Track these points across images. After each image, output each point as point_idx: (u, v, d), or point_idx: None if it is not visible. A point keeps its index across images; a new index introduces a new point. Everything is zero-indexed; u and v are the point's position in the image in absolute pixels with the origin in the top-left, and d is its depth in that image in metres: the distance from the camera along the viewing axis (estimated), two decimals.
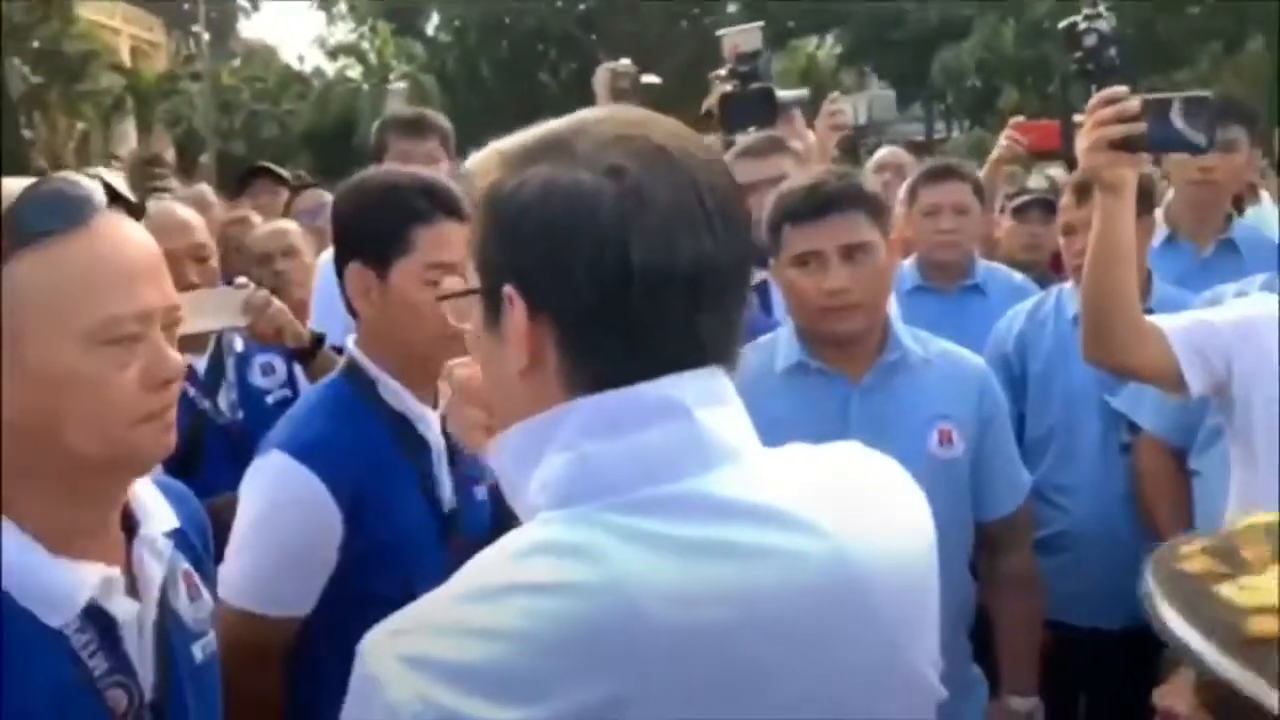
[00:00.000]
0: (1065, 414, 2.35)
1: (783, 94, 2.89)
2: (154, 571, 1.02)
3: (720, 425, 0.75)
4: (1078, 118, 3.33)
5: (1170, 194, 2.81)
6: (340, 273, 1.54)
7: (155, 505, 1.06)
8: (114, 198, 0.96)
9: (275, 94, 26.72)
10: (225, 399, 2.29)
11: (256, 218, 3.14)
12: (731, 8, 23.02)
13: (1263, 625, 0.63)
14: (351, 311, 1.56)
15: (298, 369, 2.28)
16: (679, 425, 0.73)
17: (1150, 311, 1.79)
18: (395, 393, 1.52)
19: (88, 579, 0.95)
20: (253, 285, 2.19)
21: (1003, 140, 3.50)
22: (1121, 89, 1.57)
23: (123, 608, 0.98)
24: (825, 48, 27.33)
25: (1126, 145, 1.55)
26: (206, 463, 2.03)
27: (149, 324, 0.95)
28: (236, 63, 29.54)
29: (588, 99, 3.22)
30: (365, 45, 27.77)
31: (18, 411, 0.92)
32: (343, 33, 29.36)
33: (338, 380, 1.56)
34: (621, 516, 0.70)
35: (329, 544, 1.44)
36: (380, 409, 1.51)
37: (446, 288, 0.79)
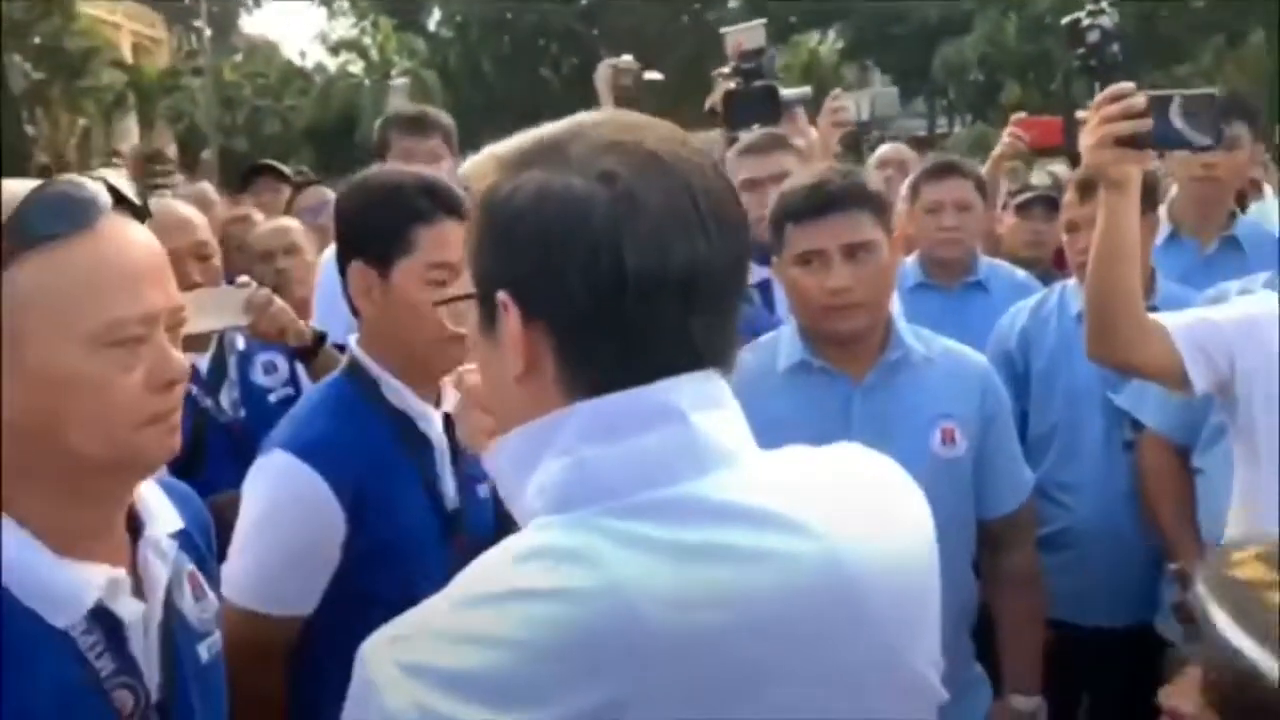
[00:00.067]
0: (1068, 411, 2.35)
1: (786, 92, 2.89)
2: (159, 572, 1.03)
3: (716, 428, 0.75)
4: (1080, 114, 3.32)
5: (1173, 191, 2.80)
6: (342, 271, 1.54)
7: (160, 506, 1.07)
8: (119, 200, 0.96)
9: (277, 90, 26.72)
10: (227, 397, 2.29)
11: (258, 215, 3.14)
12: (733, 3, 23.02)
13: None
14: (353, 310, 1.56)
15: (300, 367, 2.28)
16: (675, 429, 0.73)
17: (1154, 309, 1.78)
18: (397, 391, 1.52)
19: (93, 580, 0.96)
20: (255, 284, 2.19)
21: (1005, 137, 3.49)
22: (1128, 85, 1.57)
23: (128, 608, 0.99)
24: (827, 43, 27.30)
25: (1132, 142, 1.55)
26: (209, 461, 2.03)
27: (153, 326, 0.95)
28: (238, 58, 29.55)
29: (589, 94, 3.21)
30: (367, 41, 27.76)
31: (22, 413, 0.92)
32: (344, 28, 29.38)
33: (340, 379, 1.56)
34: (618, 521, 0.70)
35: (332, 543, 1.44)
36: (382, 408, 1.51)
37: (447, 290, 0.79)
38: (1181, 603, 2.00)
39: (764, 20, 3.01)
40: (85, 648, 0.95)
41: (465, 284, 0.80)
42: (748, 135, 2.63)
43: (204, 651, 1.07)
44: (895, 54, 24.06)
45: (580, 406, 0.74)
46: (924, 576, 0.81)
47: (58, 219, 0.92)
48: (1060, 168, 3.69)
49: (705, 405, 0.75)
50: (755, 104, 2.81)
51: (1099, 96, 1.58)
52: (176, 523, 1.07)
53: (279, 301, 2.14)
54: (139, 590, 1.01)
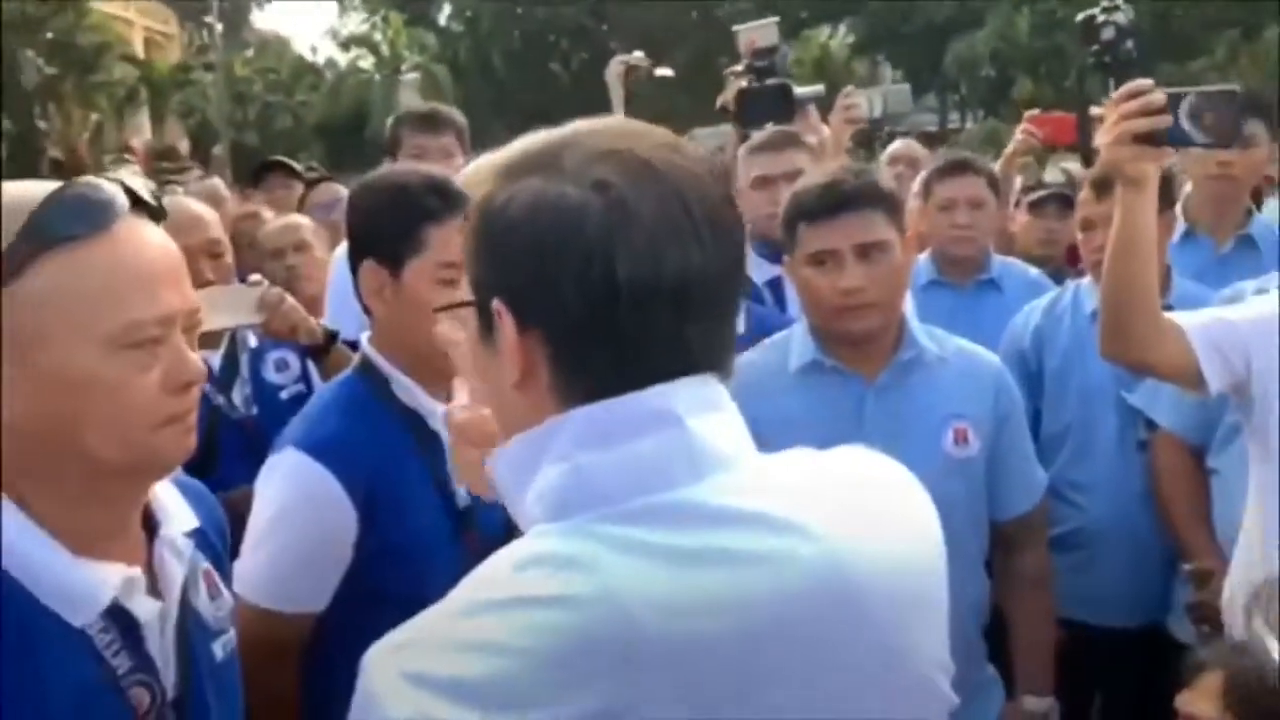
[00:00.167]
0: (1082, 410, 2.34)
1: (799, 90, 2.88)
2: (175, 571, 1.03)
3: (713, 432, 0.75)
4: (1095, 110, 3.31)
5: (1188, 188, 2.78)
6: (354, 270, 1.54)
7: (175, 506, 1.07)
8: (135, 201, 0.96)
9: (288, 85, 26.80)
10: (239, 394, 2.30)
11: (268, 212, 3.14)
12: None
13: None
14: (365, 309, 1.56)
15: (311, 364, 2.28)
16: (671, 434, 0.73)
17: (1169, 308, 1.77)
18: (409, 390, 1.52)
19: (110, 579, 0.96)
20: (266, 282, 2.19)
21: (1018, 133, 3.47)
22: (1146, 82, 1.56)
23: (144, 607, 0.99)
24: (838, 38, 27.23)
25: (1150, 139, 1.54)
26: (221, 458, 2.03)
27: (170, 327, 0.96)
28: (249, 54, 29.62)
29: (599, 90, 3.21)
30: (377, 36, 27.80)
31: (39, 415, 0.93)
32: (355, 23, 29.45)
33: (352, 377, 1.56)
34: (615, 527, 0.71)
35: (344, 541, 1.45)
36: (394, 406, 1.52)
37: (458, 290, 0.79)
38: (1196, 604, 1.99)
39: (777, 18, 3.00)
40: (102, 646, 0.96)
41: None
42: (760, 133, 2.62)
43: (219, 649, 1.08)
44: (906, 49, 23.97)
45: (575, 413, 0.74)
46: (928, 579, 0.80)
47: (75, 221, 0.92)
48: (1074, 165, 3.67)
49: (701, 409, 0.75)
50: (769, 102, 2.81)
51: (1117, 93, 1.57)
52: (192, 521, 1.08)
53: (291, 300, 2.15)
54: (155, 589, 1.02)
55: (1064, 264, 3.11)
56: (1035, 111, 3.77)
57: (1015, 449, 1.82)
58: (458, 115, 2.81)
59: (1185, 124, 1.54)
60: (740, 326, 2.30)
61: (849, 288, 1.66)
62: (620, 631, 0.66)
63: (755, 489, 0.74)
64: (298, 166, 4.18)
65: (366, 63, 27.48)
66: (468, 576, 0.72)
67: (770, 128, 2.66)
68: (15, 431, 0.93)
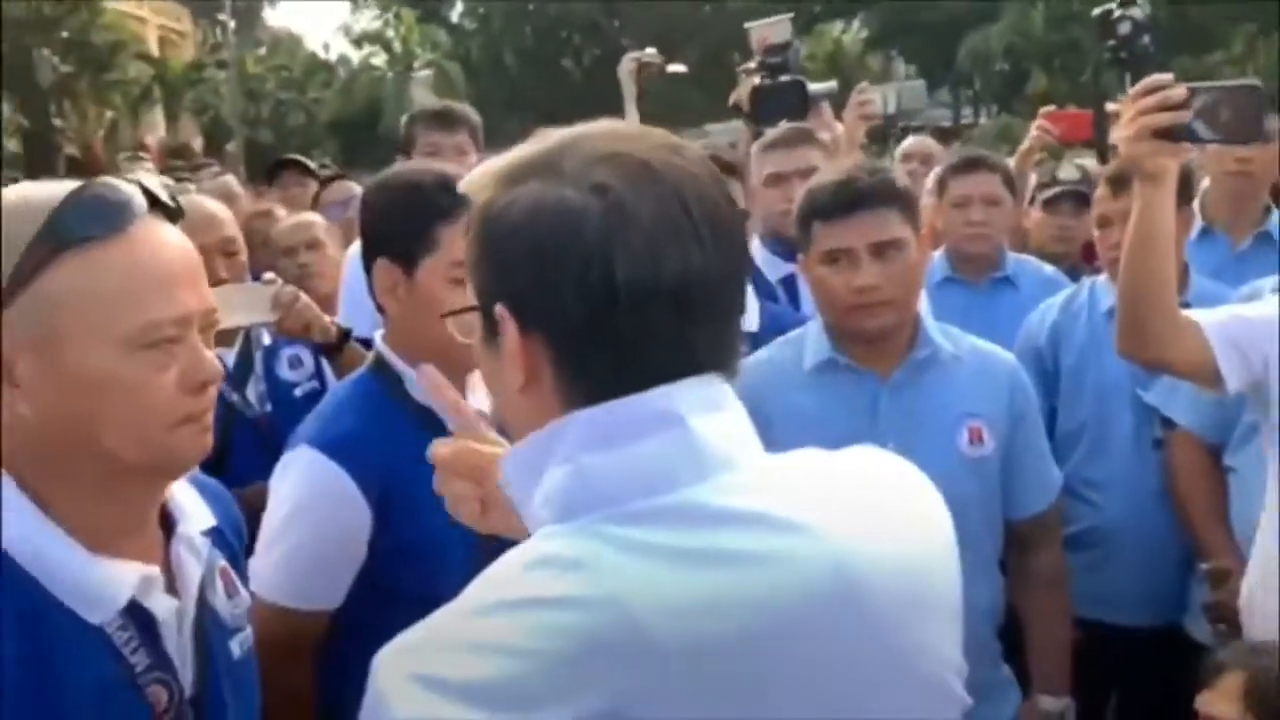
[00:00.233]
0: (1097, 408, 2.32)
1: (813, 86, 2.87)
2: (192, 569, 1.04)
3: (716, 433, 0.75)
4: (1111, 106, 3.27)
5: (1205, 185, 2.76)
6: (368, 269, 1.54)
7: (192, 504, 1.08)
8: (153, 202, 0.97)
9: (301, 82, 26.88)
10: (254, 392, 2.31)
11: (281, 210, 3.15)
12: None
13: None
14: (379, 308, 1.56)
15: (325, 362, 2.29)
16: (673, 435, 0.73)
17: (1187, 305, 1.76)
18: (422, 387, 1.52)
19: (127, 577, 0.97)
20: (280, 280, 2.20)
21: (1033, 130, 3.45)
22: (1165, 77, 1.54)
23: (162, 605, 1.00)
24: (851, 32, 27.14)
25: (1170, 134, 1.52)
26: (235, 455, 2.04)
27: (187, 327, 0.96)
28: (262, 51, 29.72)
29: (611, 86, 3.21)
30: (390, 33, 27.85)
31: (58, 415, 0.93)
32: (367, 20, 29.49)
33: (365, 375, 1.56)
34: (619, 528, 0.71)
35: (358, 539, 1.45)
36: (408, 404, 1.52)
37: (469, 292, 0.80)
38: (1213, 603, 1.98)
39: (790, 15, 2.99)
40: (120, 644, 0.97)
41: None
42: (774, 130, 2.61)
43: (236, 647, 1.09)
44: (920, 43, 23.86)
45: (578, 415, 0.74)
46: (939, 579, 0.80)
47: (93, 222, 0.93)
48: (1089, 161, 3.64)
49: (705, 410, 0.75)
50: (783, 99, 2.80)
51: (1135, 88, 1.56)
52: (209, 520, 1.08)
53: (304, 298, 2.15)
54: (172, 587, 1.02)
55: (1079, 261, 3.09)
56: (1051, 108, 3.74)
57: (1030, 448, 1.81)
58: (471, 113, 2.82)
59: (1203, 120, 1.53)
60: (754, 324, 2.31)
61: (864, 286, 1.66)
62: (625, 632, 0.66)
63: (759, 489, 0.74)
64: (311, 164, 4.19)
65: (379, 60, 27.54)
66: (478, 577, 0.73)
67: (784, 125, 2.65)
68: (34, 431, 0.94)
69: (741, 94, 2.95)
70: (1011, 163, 3.23)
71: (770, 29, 2.93)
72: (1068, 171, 3.10)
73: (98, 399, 0.93)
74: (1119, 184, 2.14)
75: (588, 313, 0.72)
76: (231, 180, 4.00)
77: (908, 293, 1.71)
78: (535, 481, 0.76)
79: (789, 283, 2.48)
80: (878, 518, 0.77)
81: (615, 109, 3.14)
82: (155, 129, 24.37)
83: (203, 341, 0.98)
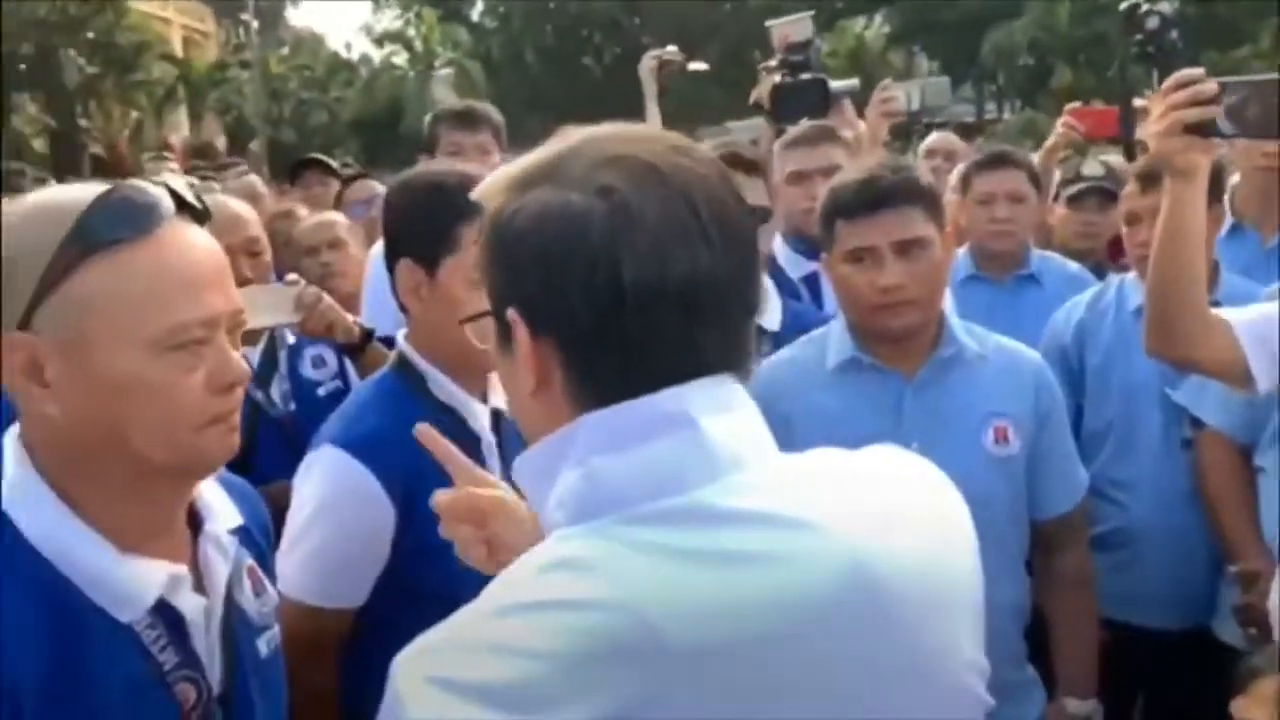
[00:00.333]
0: (1125, 407, 2.29)
1: (834, 84, 2.86)
2: (219, 568, 1.05)
3: (727, 433, 0.75)
4: (1138, 102, 3.24)
5: (1235, 180, 2.72)
6: (390, 270, 1.55)
7: (219, 503, 1.09)
8: (180, 204, 0.98)
9: (323, 82, 27.06)
10: (278, 390, 2.32)
11: (303, 210, 3.17)
12: None
13: None
14: (401, 308, 1.57)
15: (348, 361, 2.29)
16: (683, 436, 0.74)
17: (1217, 304, 1.74)
18: (445, 387, 1.53)
19: (156, 576, 0.98)
20: (303, 281, 2.20)
21: (1059, 127, 3.42)
22: (1197, 71, 1.52)
23: (190, 603, 1.01)
24: (873, 28, 27.01)
25: (1200, 130, 1.50)
26: (260, 454, 2.05)
27: (214, 329, 0.97)
28: (285, 51, 29.94)
29: (632, 84, 3.21)
30: (411, 32, 27.98)
31: (87, 416, 0.94)
32: (389, 20, 29.64)
33: (389, 375, 1.57)
34: (632, 529, 0.71)
35: (382, 538, 1.45)
36: (431, 403, 1.52)
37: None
38: (1243, 605, 1.95)
39: (811, 12, 2.97)
40: (149, 642, 0.98)
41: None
42: (796, 127, 2.60)
43: (263, 646, 1.10)
44: (943, 39, 23.71)
45: (587, 418, 0.75)
46: (958, 579, 0.79)
47: (121, 224, 0.94)
48: (1115, 158, 3.61)
49: (715, 410, 0.75)
50: (804, 97, 2.79)
51: (1166, 83, 1.54)
52: (236, 519, 1.09)
53: (328, 299, 2.16)
54: (200, 586, 1.03)
55: (1104, 258, 3.06)
56: (1076, 104, 3.70)
57: (1056, 448, 1.80)
58: (494, 112, 2.82)
59: (1228, 115, 1.51)
60: (776, 323, 2.30)
61: (888, 285, 1.64)
62: (637, 634, 0.66)
63: (771, 489, 0.74)
64: (334, 164, 4.21)
65: (400, 59, 27.67)
66: (496, 578, 0.73)
67: (806, 122, 2.64)
68: (63, 432, 0.95)
69: (762, 92, 2.93)
70: (1036, 159, 3.20)
71: (791, 27, 2.91)
72: (1092, 167, 3.07)
73: (126, 400, 0.94)
74: (1148, 180, 2.12)
75: (595, 315, 0.73)
76: (256, 180, 4.02)
77: (932, 291, 1.70)
78: (549, 484, 0.77)
79: (812, 281, 2.47)
80: (894, 517, 0.77)
81: (636, 107, 3.13)
82: (179, 129, 24.60)
83: (230, 342, 0.99)
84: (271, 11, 31.50)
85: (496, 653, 0.66)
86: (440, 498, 1.01)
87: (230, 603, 1.05)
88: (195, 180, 3.20)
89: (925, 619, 0.75)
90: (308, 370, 2.37)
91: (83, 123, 22.32)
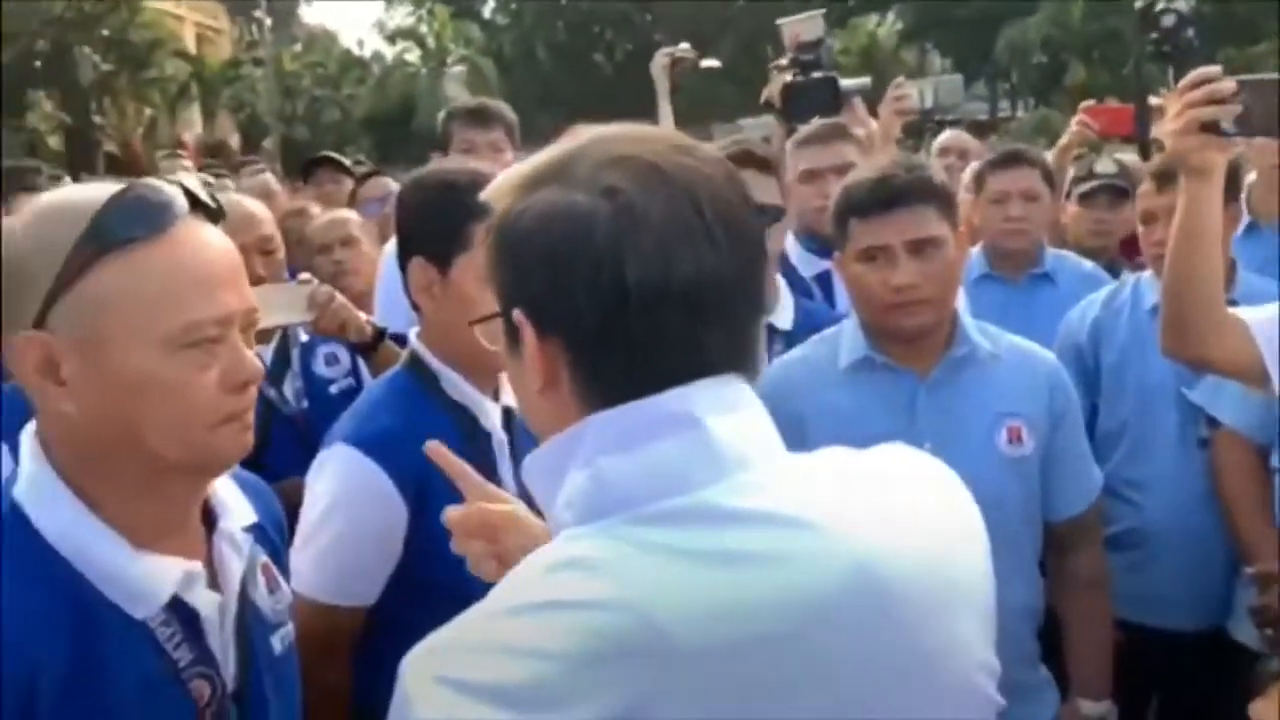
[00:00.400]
0: (1140, 407, 2.28)
1: (845, 82, 2.85)
2: (234, 565, 1.05)
3: (732, 433, 0.75)
4: (1154, 100, 3.22)
5: (1251, 178, 2.70)
6: (403, 268, 1.55)
7: (234, 501, 1.09)
8: (195, 203, 0.98)
9: (336, 79, 27.15)
10: (290, 388, 2.32)
11: (315, 208, 3.17)
12: None
13: None
14: (414, 306, 1.57)
15: (361, 359, 2.30)
16: (688, 436, 0.74)
17: (1234, 303, 1.73)
18: (457, 385, 1.53)
19: (170, 573, 0.98)
20: (316, 281, 2.21)
21: (1073, 125, 3.40)
22: (1214, 69, 1.51)
23: (204, 600, 1.01)
24: (886, 25, 26.92)
25: (1217, 128, 1.49)
26: (272, 451, 2.06)
27: (228, 327, 0.98)
28: (298, 48, 30.04)
29: (644, 81, 3.20)
30: (423, 29, 28.04)
31: (102, 415, 0.95)
32: (401, 17, 29.71)
33: (401, 373, 1.57)
34: (638, 530, 0.71)
35: (395, 535, 1.46)
36: (443, 401, 1.52)
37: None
38: (1260, 607, 1.94)
39: (822, 10, 2.96)
40: (163, 639, 0.98)
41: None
42: (808, 126, 2.59)
43: (278, 643, 1.10)
44: (956, 36, 23.62)
45: (594, 419, 0.75)
46: (968, 578, 0.79)
47: (135, 223, 0.94)
48: (1128, 156, 3.59)
49: (720, 410, 0.75)
50: (815, 95, 2.78)
51: (1183, 81, 1.53)
52: (250, 516, 1.10)
53: (340, 298, 2.17)
54: (215, 583, 1.03)
55: (1116, 255, 3.04)
56: (1091, 102, 3.69)
57: (1070, 448, 1.79)
58: (507, 110, 2.82)
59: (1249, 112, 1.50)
60: (788, 322, 2.29)
61: (901, 284, 1.64)
62: (643, 634, 0.66)
63: (777, 489, 0.74)
64: (346, 161, 4.21)
65: (412, 56, 27.73)
66: (504, 578, 0.74)
67: (817, 121, 2.63)
68: (79, 430, 0.95)
69: (773, 91, 2.93)
70: (1050, 157, 3.18)
71: (802, 25, 2.90)
72: (1104, 165, 3.06)
73: (140, 399, 0.94)
74: (1164, 179, 2.10)
75: (601, 316, 0.73)
76: (270, 178, 4.03)
77: (945, 291, 1.69)
78: (557, 485, 0.77)
79: (824, 280, 2.47)
80: (902, 516, 0.77)
81: (648, 104, 3.13)
82: (192, 126, 24.72)
83: (243, 341, 0.99)
84: (284, 9, 31.59)
85: (504, 653, 0.67)
86: (451, 513, 1.01)
87: (245, 600, 1.06)
88: (210, 178, 3.22)
89: (931, 619, 0.74)
90: (321, 368, 2.38)
91: (97, 120, 22.44)
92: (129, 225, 0.93)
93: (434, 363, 1.54)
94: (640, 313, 0.72)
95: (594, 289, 0.72)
